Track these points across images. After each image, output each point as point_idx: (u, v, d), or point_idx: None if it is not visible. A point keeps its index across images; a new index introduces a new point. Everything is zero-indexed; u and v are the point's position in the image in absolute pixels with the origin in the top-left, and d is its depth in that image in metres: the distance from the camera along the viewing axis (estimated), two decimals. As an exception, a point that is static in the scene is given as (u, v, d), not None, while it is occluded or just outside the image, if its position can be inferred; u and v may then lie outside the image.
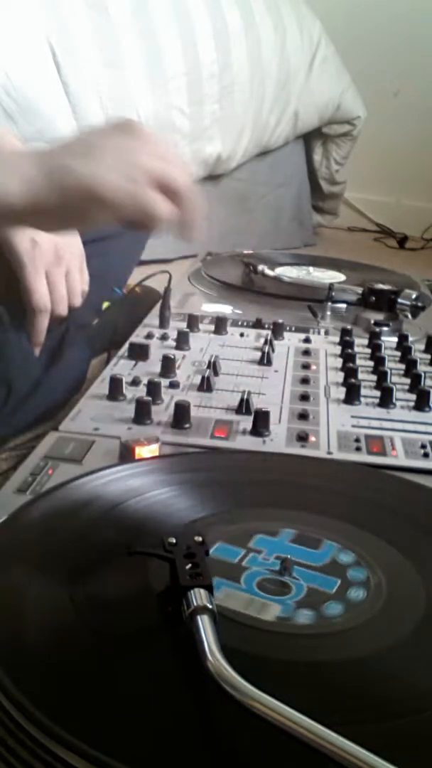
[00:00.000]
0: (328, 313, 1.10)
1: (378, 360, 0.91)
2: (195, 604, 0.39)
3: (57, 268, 0.82)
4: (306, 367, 0.90)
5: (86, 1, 1.58)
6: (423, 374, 0.86)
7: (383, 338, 0.99)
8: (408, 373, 0.88)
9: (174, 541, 0.43)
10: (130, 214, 0.60)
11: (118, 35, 1.62)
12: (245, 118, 1.93)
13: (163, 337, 0.95)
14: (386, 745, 0.33)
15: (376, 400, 0.80)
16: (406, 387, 0.85)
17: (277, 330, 1.00)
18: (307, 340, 0.99)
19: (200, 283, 1.23)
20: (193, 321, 1.00)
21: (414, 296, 1.09)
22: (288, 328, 1.03)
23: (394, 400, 0.80)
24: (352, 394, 0.80)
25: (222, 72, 1.82)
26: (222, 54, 1.82)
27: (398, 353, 0.96)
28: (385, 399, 0.80)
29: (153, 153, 0.60)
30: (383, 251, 2.40)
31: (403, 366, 0.91)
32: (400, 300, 1.08)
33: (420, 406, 0.79)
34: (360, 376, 0.85)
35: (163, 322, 1.00)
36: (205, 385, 0.80)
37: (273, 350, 0.92)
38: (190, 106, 1.77)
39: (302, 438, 0.71)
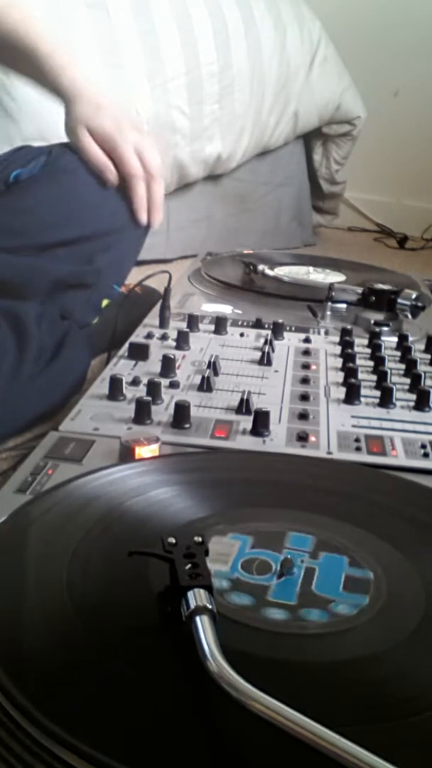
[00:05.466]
0: (328, 313, 1.10)
1: (378, 360, 0.91)
2: (194, 604, 0.39)
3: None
4: (306, 367, 0.90)
5: (86, 0, 1.58)
6: (423, 374, 0.86)
7: (383, 338, 0.99)
8: (408, 373, 0.88)
9: (174, 541, 0.43)
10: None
11: (118, 35, 1.62)
12: (245, 118, 1.93)
13: (163, 337, 0.95)
14: (386, 745, 0.34)
15: (376, 400, 0.80)
16: (406, 387, 0.85)
17: (277, 330, 1.00)
18: (307, 340, 0.99)
19: (200, 283, 1.23)
20: (193, 321, 1.00)
21: (414, 296, 1.09)
22: (288, 328, 1.03)
23: (394, 400, 0.80)
24: (352, 394, 0.80)
25: (222, 72, 1.82)
26: (222, 54, 1.81)
27: (398, 353, 0.96)
28: (385, 399, 0.80)
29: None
30: (383, 251, 2.40)
31: (403, 366, 0.91)
32: (400, 300, 1.08)
33: (420, 406, 0.79)
34: (360, 376, 0.85)
35: (163, 322, 1.00)
36: (205, 385, 0.80)
37: (273, 350, 0.92)
38: (190, 106, 1.77)
39: (302, 438, 0.71)
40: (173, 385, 0.80)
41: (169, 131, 1.74)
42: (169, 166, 1.77)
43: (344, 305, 1.12)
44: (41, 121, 1.50)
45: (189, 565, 0.42)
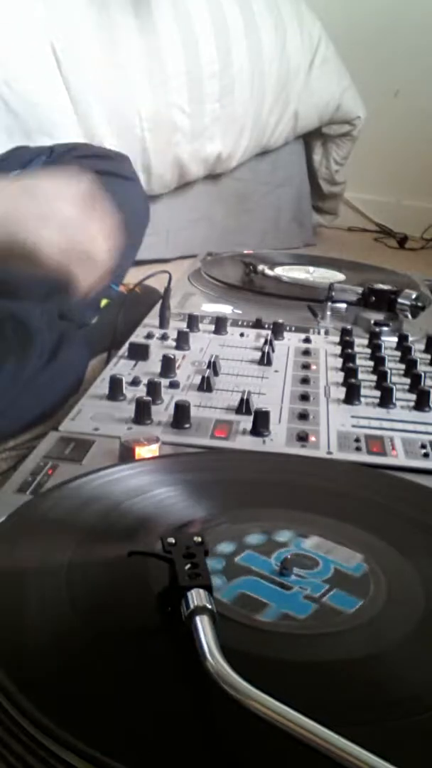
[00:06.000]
0: (328, 313, 1.10)
1: (378, 360, 0.91)
2: (194, 604, 0.39)
3: None
4: (306, 367, 0.90)
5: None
6: (423, 374, 0.86)
7: (383, 338, 0.99)
8: (408, 373, 0.88)
9: (173, 541, 0.43)
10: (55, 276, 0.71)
11: (120, 33, 1.62)
12: (245, 117, 1.93)
13: (163, 337, 0.95)
14: (386, 745, 0.34)
15: (376, 400, 0.80)
16: (406, 387, 0.85)
17: (277, 330, 1.00)
18: (307, 340, 0.99)
19: (200, 283, 1.23)
20: (193, 321, 1.00)
21: (414, 296, 1.09)
22: (288, 328, 1.03)
23: (394, 400, 0.80)
24: (352, 394, 0.80)
25: (222, 71, 1.82)
26: (222, 53, 1.81)
27: (398, 353, 0.96)
28: (385, 399, 0.80)
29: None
30: (383, 251, 2.40)
31: (403, 366, 0.91)
32: (400, 300, 1.08)
33: (420, 406, 0.79)
34: (360, 376, 0.85)
35: (163, 322, 1.00)
36: (205, 385, 0.80)
37: (273, 350, 0.92)
38: (191, 105, 1.77)
39: (302, 438, 0.71)
40: (173, 385, 0.80)
41: (169, 130, 1.74)
42: (169, 164, 1.77)
43: (344, 305, 1.12)
44: (42, 115, 1.50)
45: (189, 565, 0.42)
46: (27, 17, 1.50)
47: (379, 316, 1.07)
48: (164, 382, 0.79)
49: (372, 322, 1.05)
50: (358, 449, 0.70)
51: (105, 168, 1.09)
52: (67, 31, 1.54)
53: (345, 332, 0.99)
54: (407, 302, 1.08)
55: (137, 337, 0.95)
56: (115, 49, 1.62)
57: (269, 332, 0.99)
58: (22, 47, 1.48)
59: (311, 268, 1.33)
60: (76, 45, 1.56)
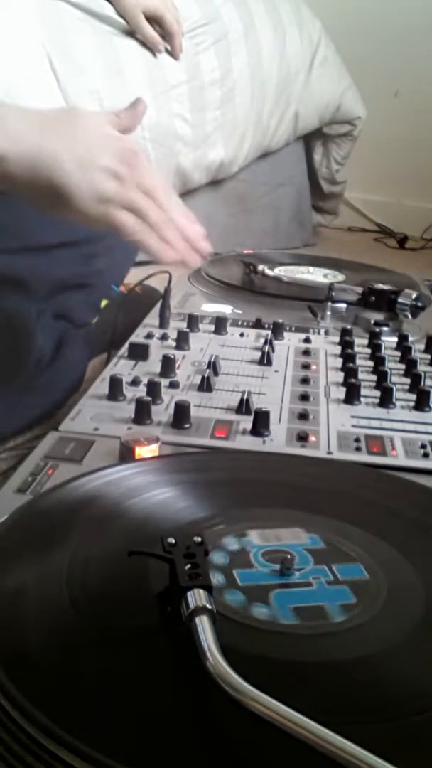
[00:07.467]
0: (328, 313, 1.10)
1: (378, 360, 0.91)
2: (194, 604, 0.39)
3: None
4: (306, 367, 0.90)
5: (86, 8, 1.58)
6: (423, 374, 0.86)
7: (383, 338, 0.99)
8: (408, 373, 0.88)
9: (173, 541, 0.43)
10: (96, 225, 0.66)
11: (119, 44, 1.62)
12: (246, 122, 1.92)
13: (163, 337, 0.95)
14: (386, 745, 0.33)
15: (376, 400, 0.80)
16: (406, 387, 0.85)
17: (277, 330, 1.00)
18: (307, 340, 0.99)
19: (200, 283, 1.23)
20: (193, 321, 1.00)
21: (414, 296, 1.09)
22: (288, 328, 1.03)
23: (394, 400, 0.80)
24: (352, 394, 0.80)
25: (223, 78, 1.82)
26: (222, 60, 1.81)
27: (398, 353, 0.96)
28: (385, 399, 0.80)
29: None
30: (383, 251, 2.40)
31: (403, 366, 0.91)
32: (400, 300, 1.08)
33: (420, 406, 0.79)
34: (360, 376, 0.85)
35: (163, 322, 1.00)
36: (205, 385, 0.80)
37: (273, 350, 0.92)
38: (192, 114, 1.77)
39: (302, 438, 0.71)
40: (173, 385, 0.80)
41: (171, 139, 1.73)
42: (171, 173, 1.77)
43: (344, 305, 1.12)
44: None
45: (189, 566, 0.42)
46: (21, 29, 1.49)
47: (379, 316, 1.07)
48: (164, 382, 0.79)
49: (372, 322, 1.05)
50: (358, 449, 0.70)
51: None
52: (64, 43, 1.54)
53: (345, 332, 0.99)
54: (407, 302, 1.08)
55: (137, 337, 0.95)
56: (116, 60, 1.62)
57: (269, 332, 0.99)
58: (19, 59, 1.48)
59: (311, 268, 1.33)
60: (74, 56, 1.55)
